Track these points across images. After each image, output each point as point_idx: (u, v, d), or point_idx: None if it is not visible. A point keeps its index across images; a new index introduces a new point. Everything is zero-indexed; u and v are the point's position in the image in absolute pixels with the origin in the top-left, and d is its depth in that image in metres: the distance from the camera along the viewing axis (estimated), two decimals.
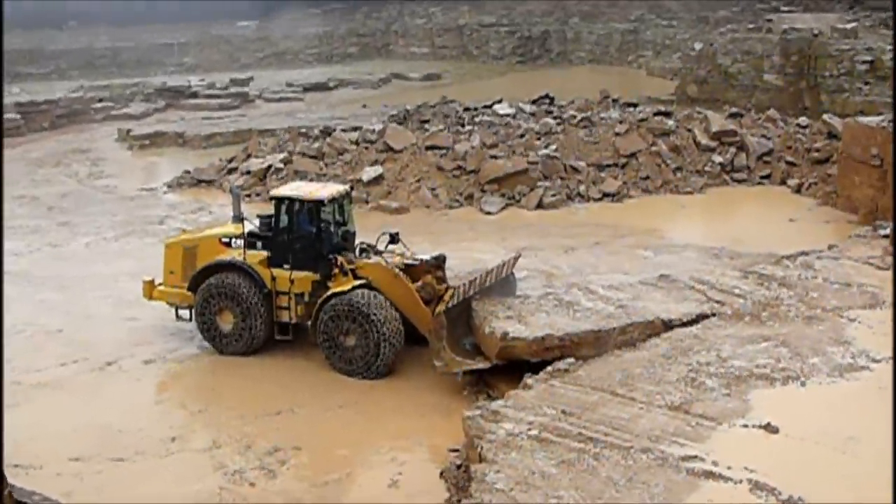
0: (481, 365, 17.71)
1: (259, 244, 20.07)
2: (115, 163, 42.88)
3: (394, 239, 20.17)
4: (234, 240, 20.55)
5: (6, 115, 49.02)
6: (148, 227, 30.39)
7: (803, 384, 15.17)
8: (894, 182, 26.63)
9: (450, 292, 18.49)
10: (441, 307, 18.19)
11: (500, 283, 19.52)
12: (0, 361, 17.31)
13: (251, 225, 20.32)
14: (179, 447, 16.18)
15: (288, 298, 19.68)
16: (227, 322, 19.86)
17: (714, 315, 18.04)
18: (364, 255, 19.98)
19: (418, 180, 32.70)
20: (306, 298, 19.60)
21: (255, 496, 14.59)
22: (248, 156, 36.95)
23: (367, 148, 34.55)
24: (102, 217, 32.45)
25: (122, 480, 15.13)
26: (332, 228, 20.04)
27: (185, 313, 20.69)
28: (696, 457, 12.89)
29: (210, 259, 20.39)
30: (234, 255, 20.25)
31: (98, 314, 22.56)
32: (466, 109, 38.16)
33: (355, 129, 37.13)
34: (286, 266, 19.67)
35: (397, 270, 19.15)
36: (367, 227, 22.12)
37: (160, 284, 21.15)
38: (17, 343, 20.39)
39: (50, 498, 8.14)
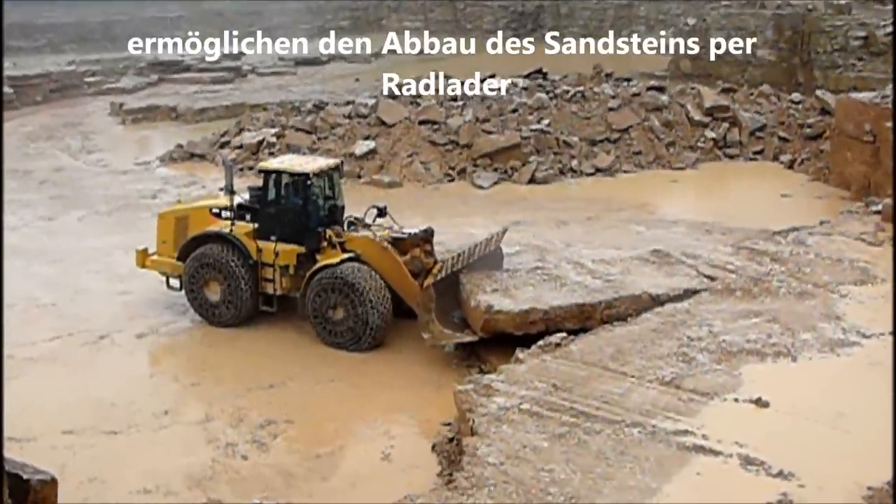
0: (469, 338, 17.82)
1: (248, 216, 20.14)
2: (107, 137, 42.71)
3: (381, 213, 20.25)
4: (223, 211, 20.60)
5: None
6: (141, 202, 30.32)
7: (794, 359, 15.24)
8: (895, 158, 26.61)
9: (437, 265, 18.63)
10: (429, 280, 18.29)
11: (488, 257, 19.60)
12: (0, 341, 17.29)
13: (240, 197, 20.36)
14: (172, 420, 16.23)
15: (273, 270, 19.76)
16: (214, 292, 19.99)
17: (706, 290, 18.09)
18: (352, 228, 20.02)
19: (411, 155, 32.67)
20: (291, 271, 19.71)
21: (247, 469, 14.66)
22: (241, 130, 36.84)
23: (359, 122, 34.49)
24: (95, 191, 32.38)
25: (115, 453, 15.20)
26: (319, 202, 20.06)
27: (175, 283, 20.80)
28: (687, 431, 12.96)
29: (200, 230, 20.49)
30: (223, 226, 20.31)
31: (91, 288, 22.57)
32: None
33: (348, 103, 37.03)
34: (273, 238, 19.73)
35: (385, 244, 19.20)
36: (361, 202, 22.10)
37: (153, 254, 21.23)
38: (10, 317, 20.30)
39: (43, 471, 8.13)
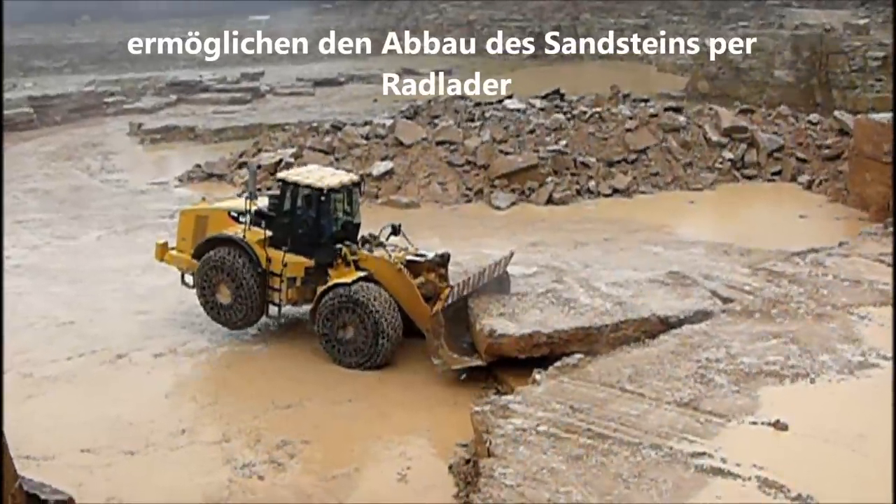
0: (478, 362, 17.83)
1: (263, 223, 20.21)
2: (126, 157, 42.94)
3: (395, 231, 20.20)
4: (241, 215, 20.68)
5: (20, 109, 49.32)
6: (159, 221, 30.39)
7: (813, 381, 15.17)
8: (894, 179, 26.56)
9: (446, 291, 18.56)
10: (438, 306, 18.27)
11: (495, 281, 19.57)
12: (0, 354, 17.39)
13: (258, 204, 20.41)
14: (189, 440, 16.23)
15: (279, 280, 19.82)
16: (224, 295, 20.14)
17: (723, 312, 18.04)
18: (366, 246, 20.01)
19: (428, 175, 32.73)
20: (298, 283, 19.78)
21: (263, 490, 14.64)
22: (259, 150, 37.00)
23: (377, 143, 34.59)
24: (114, 210, 32.54)
25: (132, 472, 15.19)
26: (333, 217, 20.07)
27: (190, 279, 21.04)
28: (704, 454, 12.91)
29: (218, 231, 20.61)
30: (239, 230, 20.38)
31: (109, 307, 22.62)
32: (476, 105, 38.11)
33: (366, 123, 37.16)
34: (284, 248, 19.78)
35: (400, 265, 19.19)
36: (378, 223, 22.05)
37: (173, 249, 21.45)
38: (29, 335, 20.48)
39: (60, 490, 8.18)
